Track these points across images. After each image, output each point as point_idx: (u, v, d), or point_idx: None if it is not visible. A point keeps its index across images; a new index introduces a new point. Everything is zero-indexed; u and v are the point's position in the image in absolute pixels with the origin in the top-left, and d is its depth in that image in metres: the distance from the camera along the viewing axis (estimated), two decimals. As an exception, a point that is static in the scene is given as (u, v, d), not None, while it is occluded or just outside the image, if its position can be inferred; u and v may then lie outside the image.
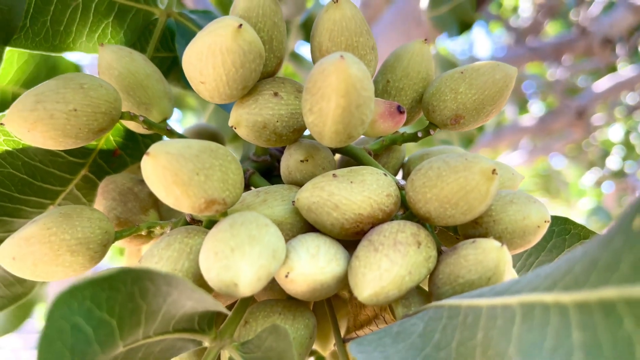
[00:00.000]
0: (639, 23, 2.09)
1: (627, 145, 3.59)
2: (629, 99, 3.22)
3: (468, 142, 0.88)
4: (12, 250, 0.32)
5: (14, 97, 0.65)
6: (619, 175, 2.13)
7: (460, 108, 0.36)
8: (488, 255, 0.28)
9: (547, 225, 0.31)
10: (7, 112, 0.32)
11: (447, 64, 0.74)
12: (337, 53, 0.28)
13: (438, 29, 0.72)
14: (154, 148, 0.27)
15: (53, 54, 0.49)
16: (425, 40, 0.39)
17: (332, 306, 0.40)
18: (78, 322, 0.21)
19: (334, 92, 0.28)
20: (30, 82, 0.62)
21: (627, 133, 3.49)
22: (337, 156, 0.42)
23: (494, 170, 0.29)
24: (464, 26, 0.70)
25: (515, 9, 3.42)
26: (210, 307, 0.27)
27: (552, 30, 3.53)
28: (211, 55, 0.30)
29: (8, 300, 0.43)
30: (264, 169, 0.41)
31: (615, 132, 3.45)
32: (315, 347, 0.45)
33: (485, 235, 0.32)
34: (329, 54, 0.33)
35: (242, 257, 0.26)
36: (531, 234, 0.31)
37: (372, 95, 0.30)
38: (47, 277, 0.33)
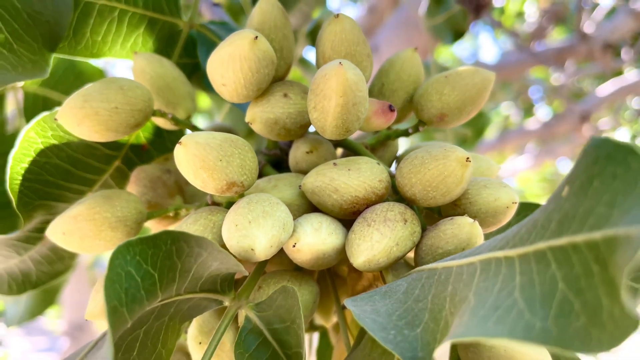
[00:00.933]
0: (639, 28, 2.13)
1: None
2: (635, 103, 3.25)
3: (462, 142, 0.93)
4: (63, 227, 0.38)
5: (44, 98, 0.72)
6: None
7: (444, 107, 0.41)
8: (463, 229, 0.34)
9: (515, 206, 0.37)
10: (59, 109, 0.38)
11: (441, 69, 0.79)
12: (336, 60, 0.34)
13: (434, 37, 0.77)
14: (185, 138, 0.33)
15: (86, 60, 0.55)
16: (416, 48, 0.45)
17: (334, 283, 0.45)
18: (130, 271, 0.27)
19: (334, 92, 0.34)
20: (59, 84, 0.69)
21: (633, 137, 3.52)
22: (340, 151, 0.48)
23: (468, 158, 0.34)
24: (457, 35, 0.76)
25: (520, 14, 3.47)
26: (232, 267, 0.32)
27: (557, 35, 3.57)
28: (232, 62, 0.36)
29: (49, 276, 0.49)
30: (274, 161, 0.47)
31: (621, 136, 3.48)
32: (319, 321, 0.50)
33: (462, 214, 0.37)
34: (330, 60, 0.39)
35: (258, 227, 0.32)
36: (501, 214, 0.37)
37: (366, 96, 0.35)
38: (91, 250, 0.39)
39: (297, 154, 0.41)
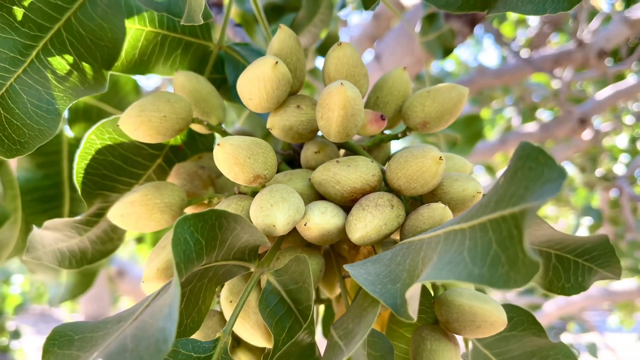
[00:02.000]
0: (635, 36, 2.21)
1: (634, 151, 3.69)
2: (636, 106, 3.33)
3: (452, 145, 1.03)
4: (121, 210, 0.48)
5: (85, 104, 0.82)
6: (608, 178, 2.25)
7: (426, 117, 0.51)
8: (436, 212, 0.44)
9: (480, 195, 0.47)
10: (121, 117, 0.48)
11: (434, 80, 0.89)
12: (339, 81, 0.44)
13: (427, 52, 0.87)
14: (222, 141, 0.43)
15: (131, 75, 0.65)
16: (405, 68, 0.55)
17: (337, 260, 0.55)
18: (187, 237, 0.37)
19: (336, 106, 0.43)
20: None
21: (632, 141, 3.59)
22: (342, 151, 0.57)
23: (441, 157, 0.44)
24: (447, 52, 0.85)
25: (522, 21, 3.56)
26: (259, 239, 0.42)
27: (559, 42, 3.65)
28: (257, 81, 0.46)
29: (101, 254, 0.59)
30: (288, 160, 0.57)
31: (621, 140, 3.56)
32: (324, 294, 0.60)
33: (437, 202, 0.47)
34: (334, 80, 0.49)
35: (278, 209, 0.42)
36: (469, 201, 0.46)
37: (362, 108, 0.45)
38: (143, 229, 0.49)
39: (307, 153, 0.51)
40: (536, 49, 3.24)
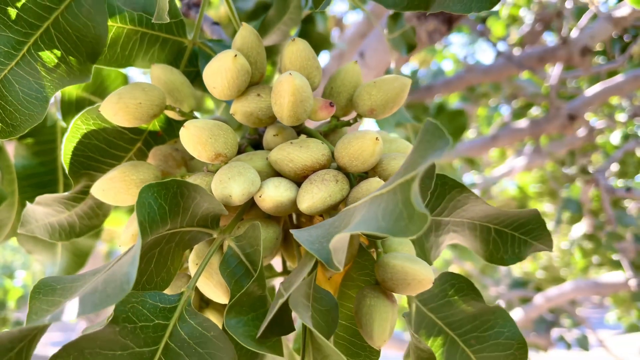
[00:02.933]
0: (618, 34, 2.27)
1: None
2: (628, 104, 3.39)
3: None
4: (102, 186, 0.55)
5: (77, 97, 0.89)
6: (587, 172, 2.31)
7: (373, 104, 0.58)
8: (372, 185, 0.50)
9: (415, 172, 0.53)
10: (102, 103, 0.55)
11: (399, 74, 0.95)
12: (288, 71, 0.50)
13: (393, 49, 0.94)
14: (187, 123, 0.50)
15: (115, 68, 0.72)
16: (356, 62, 0.61)
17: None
18: (151, 202, 0.43)
19: (286, 93, 0.50)
20: (89, 86, 0.86)
21: (626, 137, 3.65)
22: (303, 135, 0.64)
23: (377, 138, 0.51)
24: (410, 48, 0.92)
25: (515, 19, 3.61)
26: (217, 208, 0.49)
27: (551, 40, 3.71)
28: (219, 72, 0.52)
29: (88, 228, 0.65)
30: (254, 143, 0.63)
31: (615, 137, 3.62)
32: (289, 264, 0.67)
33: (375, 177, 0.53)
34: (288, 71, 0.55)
35: (234, 182, 0.49)
36: (405, 177, 0.53)
37: (311, 95, 0.52)
38: (122, 203, 0.56)
39: (268, 136, 0.58)
40: (530, 47, 3.30)
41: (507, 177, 4.15)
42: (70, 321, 0.44)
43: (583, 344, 3.47)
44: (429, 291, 0.62)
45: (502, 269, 3.61)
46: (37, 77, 0.55)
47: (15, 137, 0.53)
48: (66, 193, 0.61)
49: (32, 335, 0.40)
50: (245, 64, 0.54)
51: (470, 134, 4.85)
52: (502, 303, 3.28)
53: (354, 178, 0.56)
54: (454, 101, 3.53)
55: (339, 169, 0.55)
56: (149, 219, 0.43)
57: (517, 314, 3.13)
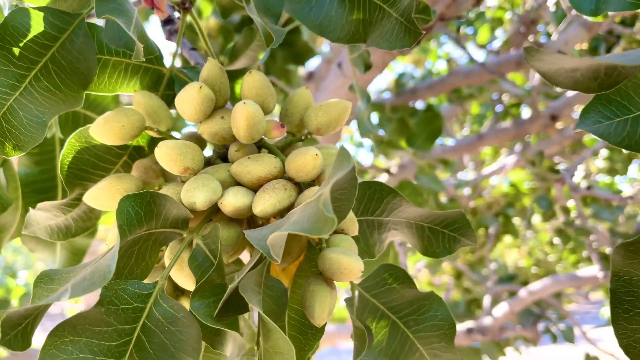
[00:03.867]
0: (591, 39, 2.38)
1: (611, 148, 3.86)
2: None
3: (379, 142, 1.20)
4: (92, 194, 0.66)
5: (74, 113, 1.00)
6: (556, 171, 2.42)
7: (319, 124, 0.69)
8: (309, 193, 0.61)
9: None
10: (91, 126, 0.66)
11: (360, 90, 1.06)
12: (243, 100, 0.61)
13: (354, 66, 1.04)
14: (160, 143, 0.61)
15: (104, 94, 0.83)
16: (307, 87, 0.72)
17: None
18: (129, 209, 0.54)
19: (241, 118, 0.61)
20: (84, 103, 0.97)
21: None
22: (265, 151, 0.75)
23: (317, 154, 0.62)
24: (367, 67, 1.03)
25: (500, 21, 3.72)
26: (184, 213, 0.60)
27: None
28: (187, 101, 0.64)
29: (83, 229, 0.77)
30: (222, 156, 0.74)
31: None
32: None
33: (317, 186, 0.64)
34: (246, 98, 0.66)
35: (198, 191, 0.60)
36: (342, 185, 0.64)
37: (262, 119, 0.63)
38: (110, 208, 0.67)
39: (231, 152, 0.69)
40: (515, 50, 3.40)
41: (499, 174, 4.26)
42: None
43: (568, 336, 3.59)
44: (371, 280, 0.73)
45: (490, 265, 3.71)
46: (37, 105, 0.66)
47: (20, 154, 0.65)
48: (63, 200, 0.72)
49: (36, 314, 0.51)
50: (209, 93, 0.65)
51: (463, 132, 4.95)
52: (488, 298, 3.39)
53: (304, 186, 0.67)
54: (442, 103, 3.64)
55: (289, 179, 0.67)
56: (127, 223, 0.54)
57: (502, 308, 3.24)
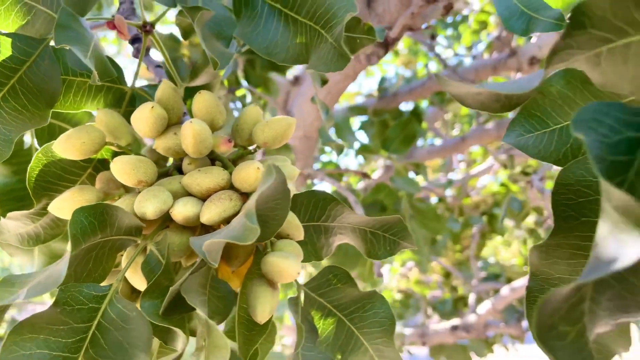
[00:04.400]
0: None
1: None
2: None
3: (340, 150, 1.27)
4: (57, 204, 0.73)
5: (49, 125, 1.06)
6: (527, 173, 2.50)
7: (265, 139, 0.75)
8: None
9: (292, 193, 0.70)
10: (55, 142, 0.72)
11: (321, 103, 1.13)
12: (190, 119, 0.68)
13: (314, 80, 1.11)
14: (116, 159, 0.67)
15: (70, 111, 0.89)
16: (256, 104, 0.79)
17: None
18: (83, 219, 0.61)
19: (188, 135, 0.68)
20: (59, 115, 1.03)
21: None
22: (219, 163, 0.81)
23: (258, 167, 0.68)
24: (324, 82, 1.09)
25: (485, 23, 3.78)
26: (136, 222, 0.66)
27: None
28: (140, 120, 0.70)
29: (51, 236, 0.83)
30: (179, 168, 0.81)
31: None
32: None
33: (262, 196, 0.71)
34: (197, 116, 0.73)
35: (149, 202, 0.66)
36: (282, 195, 0.70)
37: (209, 136, 0.69)
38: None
39: (184, 164, 0.75)
40: (497, 53, 3.47)
41: (487, 174, 4.33)
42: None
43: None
44: (317, 280, 0.79)
45: (477, 264, 3.78)
46: (5, 124, 0.72)
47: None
48: (31, 210, 0.78)
49: (-3, 314, 0.58)
50: (162, 112, 0.71)
51: (454, 133, 5.02)
52: (473, 296, 3.46)
53: (248, 195, 0.73)
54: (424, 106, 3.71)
55: (236, 190, 0.73)
56: (81, 232, 0.61)
57: (485, 306, 3.30)
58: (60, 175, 0.79)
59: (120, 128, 0.77)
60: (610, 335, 0.64)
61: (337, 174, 1.89)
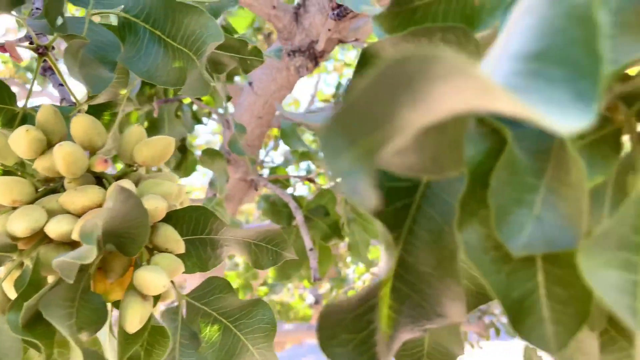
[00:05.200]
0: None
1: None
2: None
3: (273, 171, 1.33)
4: None
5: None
6: None
7: (144, 158, 0.79)
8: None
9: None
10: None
11: (234, 121, 1.18)
12: (61, 142, 0.72)
13: (221, 93, 1.16)
14: (-12, 180, 0.71)
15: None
16: (140, 124, 0.83)
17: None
18: (-52, 239, 0.65)
19: (59, 157, 0.72)
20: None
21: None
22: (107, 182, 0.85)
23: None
24: (228, 98, 1.14)
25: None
26: (6, 240, 0.70)
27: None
28: (17, 142, 0.74)
29: None
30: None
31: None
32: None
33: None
34: (75, 138, 0.77)
35: (19, 221, 0.70)
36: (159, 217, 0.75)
37: (82, 156, 0.74)
38: None
39: (65, 183, 0.79)
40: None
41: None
42: None
43: (511, 331, 3.73)
44: (200, 290, 0.84)
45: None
46: None
47: None
48: None
49: None
50: (37, 135, 0.75)
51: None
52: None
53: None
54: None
55: (113, 206, 0.77)
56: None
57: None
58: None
59: (6, 148, 0.81)
60: (444, 337, 0.70)
61: (283, 179, 1.93)
